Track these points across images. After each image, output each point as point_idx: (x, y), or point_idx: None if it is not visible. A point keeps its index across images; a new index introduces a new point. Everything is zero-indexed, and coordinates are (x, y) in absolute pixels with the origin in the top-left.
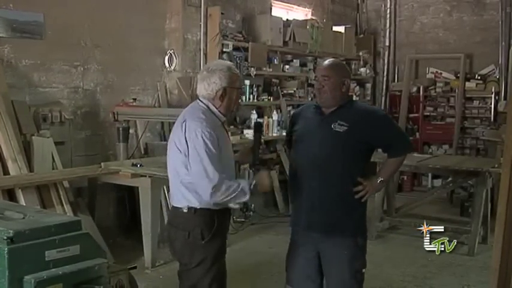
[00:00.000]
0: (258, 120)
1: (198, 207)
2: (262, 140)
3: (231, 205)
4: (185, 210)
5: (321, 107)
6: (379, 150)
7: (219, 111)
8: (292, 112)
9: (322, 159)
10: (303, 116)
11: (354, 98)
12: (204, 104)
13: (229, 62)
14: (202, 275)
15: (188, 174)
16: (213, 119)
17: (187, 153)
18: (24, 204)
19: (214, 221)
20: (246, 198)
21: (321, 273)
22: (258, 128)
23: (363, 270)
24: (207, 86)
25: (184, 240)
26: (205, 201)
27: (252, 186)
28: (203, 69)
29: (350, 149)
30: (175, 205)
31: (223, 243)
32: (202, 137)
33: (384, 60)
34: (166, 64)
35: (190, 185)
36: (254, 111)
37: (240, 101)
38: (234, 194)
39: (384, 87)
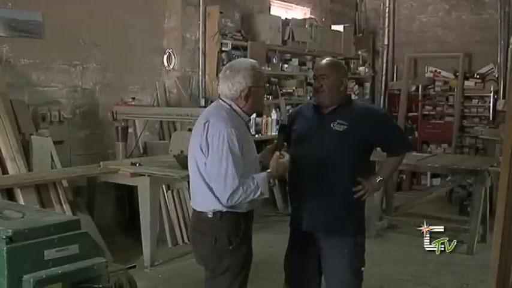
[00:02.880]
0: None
1: (224, 211)
2: (284, 142)
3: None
4: (210, 215)
5: (319, 107)
6: (378, 149)
7: (242, 110)
8: (290, 111)
9: (322, 159)
10: (301, 115)
11: (353, 97)
12: (226, 103)
13: (252, 60)
14: (230, 282)
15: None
16: (236, 119)
17: (208, 154)
18: (23, 204)
19: (241, 225)
20: (265, 195)
21: (319, 272)
22: (282, 130)
23: (362, 268)
24: (231, 86)
25: (211, 246)
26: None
27: (267, 179)
28: (226, 68)
29: (349, 148)
30: (198, 209)
31: (250, 246)
32: (225, 137)
33: (382, 59)
34: (165, 63)
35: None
36: None
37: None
38: (251, 195)
39: (383, 86)
